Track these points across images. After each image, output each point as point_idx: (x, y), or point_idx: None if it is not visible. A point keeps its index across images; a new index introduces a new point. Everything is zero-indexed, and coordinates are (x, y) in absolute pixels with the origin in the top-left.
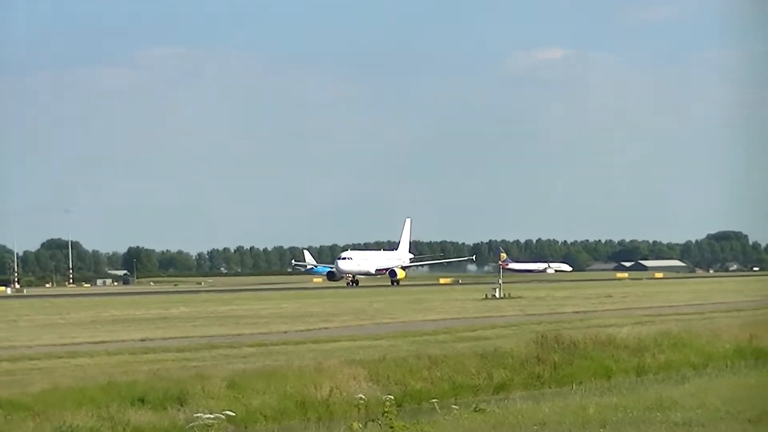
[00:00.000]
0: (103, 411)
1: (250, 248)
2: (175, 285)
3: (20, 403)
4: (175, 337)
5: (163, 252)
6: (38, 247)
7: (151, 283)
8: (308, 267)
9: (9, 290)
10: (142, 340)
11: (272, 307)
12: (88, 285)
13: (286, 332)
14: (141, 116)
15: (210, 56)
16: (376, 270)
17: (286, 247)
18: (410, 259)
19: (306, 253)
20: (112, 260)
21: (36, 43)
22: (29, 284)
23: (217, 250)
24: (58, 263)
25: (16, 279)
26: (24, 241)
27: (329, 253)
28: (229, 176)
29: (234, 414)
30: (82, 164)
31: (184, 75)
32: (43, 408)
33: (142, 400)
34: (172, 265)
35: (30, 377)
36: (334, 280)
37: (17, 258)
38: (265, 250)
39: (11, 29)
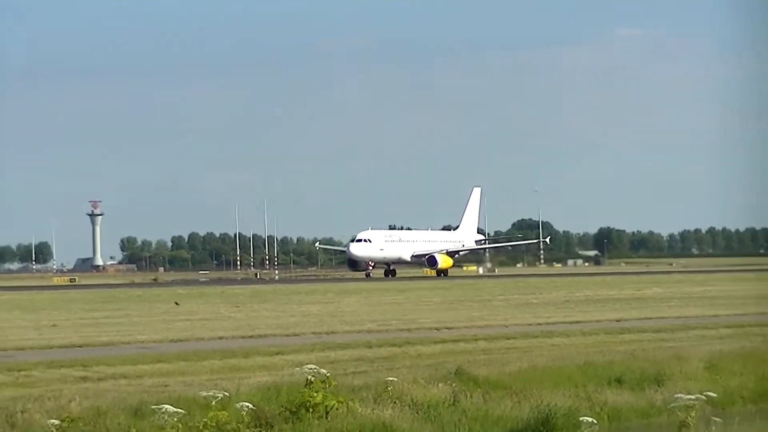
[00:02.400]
0: (580, 390)
1: (722, 229)
2: (647, 266)
3: (498, 382)
4: (650, 318)
5: (633, 233)
6: (509, 227)
7: (623, 264)
8: None
9: (480, 270)
10: (618, 321)
11: (750, 288)
12: (559, 265)
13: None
14: (602, 96)
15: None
16: (413, 256)
17: (758, 228)
18: (479, 241)
19: None
20: (583, 240)
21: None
22: (500, 264)
23: (689, 231)
24: (529, 244)
25: (487, 259)
26: (496, 222)
27: None
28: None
29: (714, 395)
30: (548, 144)
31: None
32: (520, 387)
33: (618, 381)
34: (642, 245)
35: (506, 356)
36: (357, 269)
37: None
38: (737, 231)
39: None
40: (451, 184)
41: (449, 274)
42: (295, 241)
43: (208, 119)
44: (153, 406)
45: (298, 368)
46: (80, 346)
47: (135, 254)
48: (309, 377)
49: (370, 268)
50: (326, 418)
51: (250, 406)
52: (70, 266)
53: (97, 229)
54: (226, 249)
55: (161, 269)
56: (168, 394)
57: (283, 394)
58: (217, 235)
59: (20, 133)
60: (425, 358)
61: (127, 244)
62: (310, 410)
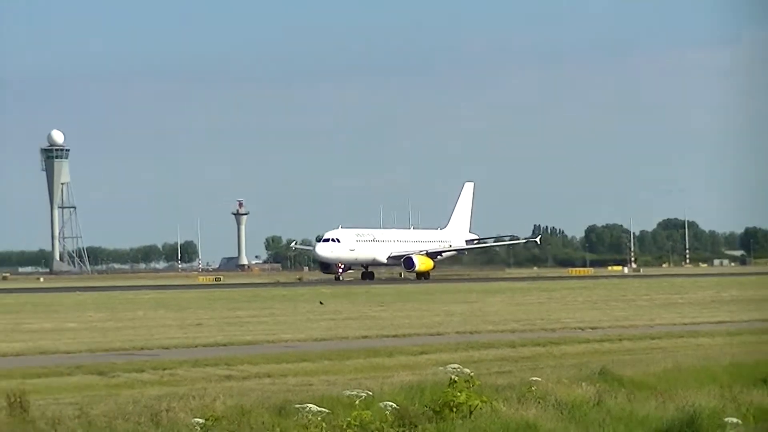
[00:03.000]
0: (725, 391)
1: None
2: None
3: (642, 382)
4: None
5: None
6: (654, 227)
7: None
8: None
9: (626, 269)
10: (765, 320)
11: None
12: (705, 265)
13: None
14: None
15: None
16: (391, 257)
17: None
18: (470, 241)
19: None
20: (729, 240)
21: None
22: (645, 264)
23: None
24: (675, 243)
25: (632, 259)
26: (641, 221)
27: None
28: None
29: None
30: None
31: None
32: (665, 387)
33: (765, 381)
34: None
35: (651, 356)
36: (329, 272)
37: (633, 237)
38: None
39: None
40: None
41: (431, 277)
42: None
43: (352, 119)
44: (297, 405)
45: (441, 368)
46: (224, 345)
47: (280, 253)
48: (452, 377)
49: (340, 270)
50: (470, 417)
51: (394, 405)
52: (216, 265)
53: (242, 228)
54: None
55: (306, 268)
56: (312, 393)
57: (426, 394)
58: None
59: (168, 135)
60: (569, 357)
61: (271, 243)
62: (454, 410)
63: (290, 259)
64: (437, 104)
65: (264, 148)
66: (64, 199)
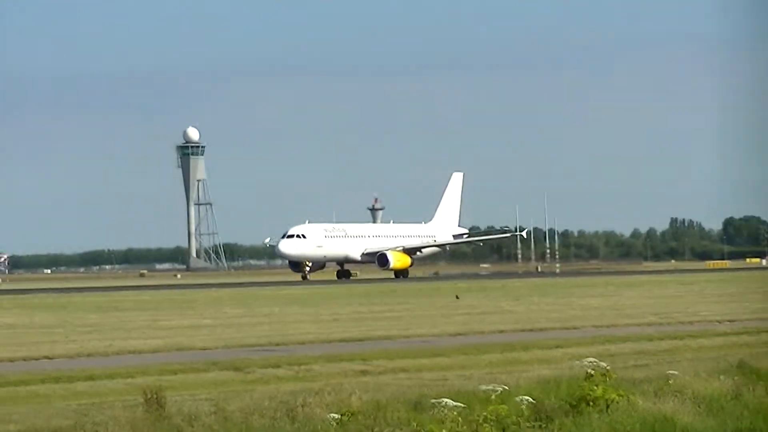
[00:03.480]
0: None
1: None
2: None
3: None
4: None
5: None
6: None
7: None
8: None
9: (764, 261)
10: None
11: None
12: None
13: None
14: None
15: None
16: (365, 254)
17: None
18: (458, 235)
19: None
20: None
21: None
22: None
23: None
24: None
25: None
26: None
27: None
28: None
29: None
30: None
31: None
32: None
33: None
34: None
35: None
36: (298, 270)
37: None
38: None
39: None
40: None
41: (409, 275)
42: (575, 233)
43: (485, 113)
44: (432, 400)
45: (577, 361)
46: (360, 340)
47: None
48: (589, 370)
49: (307, 269)
50: (606, 411)
51: (530, 399)
52: None
53: (377, 223)
54: (507, 242)
55: (442, 263)
56: (447, 387)
57: (562, 388)
58: (497, 228)
59: (302, 130)
60: (707, 351)
61: None
62: (590, 404)
63: None
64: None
65: (399, 145)
66: (200, 195)
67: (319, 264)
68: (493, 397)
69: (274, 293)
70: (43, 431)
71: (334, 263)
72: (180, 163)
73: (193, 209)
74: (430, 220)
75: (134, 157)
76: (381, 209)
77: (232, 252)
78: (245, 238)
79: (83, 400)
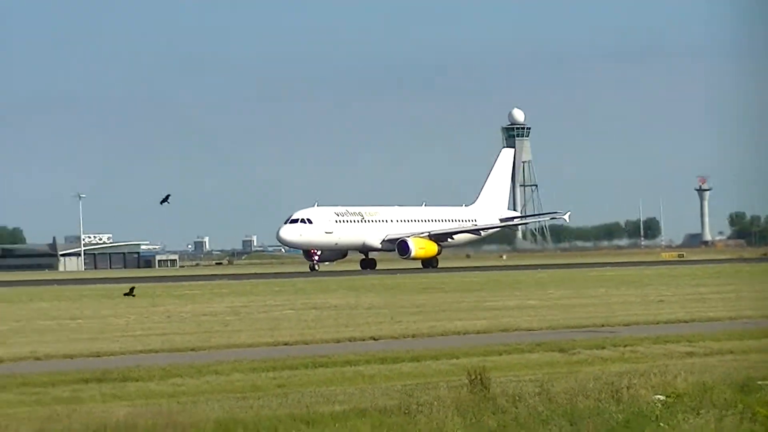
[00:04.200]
0: None
1: None
2: None
3: None
4: None
5: None
6: None
7: None
8: None
9: None
10: None
11: None
12: None
13: None
14: None
15: None
16: (385, 241)
17: None
18: (507, 219)
19: None
20: None
21: None
22: None
23: None
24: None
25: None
26: None
27: None
28: None
29: None
30: None
31: None
32: None
33: None
34: None
35: None
36: (311, 259)
37: None
38: None
39: None
40: None
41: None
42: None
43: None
44: (759, 382)
45: None
46: (686, 322)
47: (744, 229)
48: None
49: (315, 258)
50: None
51: None
52: (678, 242)
53: (705, 204)
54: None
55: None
56: None
57: None
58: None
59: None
60: None
61: (735, 218)
62: None
63: (754, 234)
64: None
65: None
66: (525, 177)
67: (334, 253)
68: None
69: (600, 274)
70: (369, 411)
71: (356, 251)
72: (505, 144)
73: (518, 190)
74: (472, 203)
75: (461, 139)
76: (708, 190)
77: (558, 234)
78: (572, 220)
79: (408, 381)
